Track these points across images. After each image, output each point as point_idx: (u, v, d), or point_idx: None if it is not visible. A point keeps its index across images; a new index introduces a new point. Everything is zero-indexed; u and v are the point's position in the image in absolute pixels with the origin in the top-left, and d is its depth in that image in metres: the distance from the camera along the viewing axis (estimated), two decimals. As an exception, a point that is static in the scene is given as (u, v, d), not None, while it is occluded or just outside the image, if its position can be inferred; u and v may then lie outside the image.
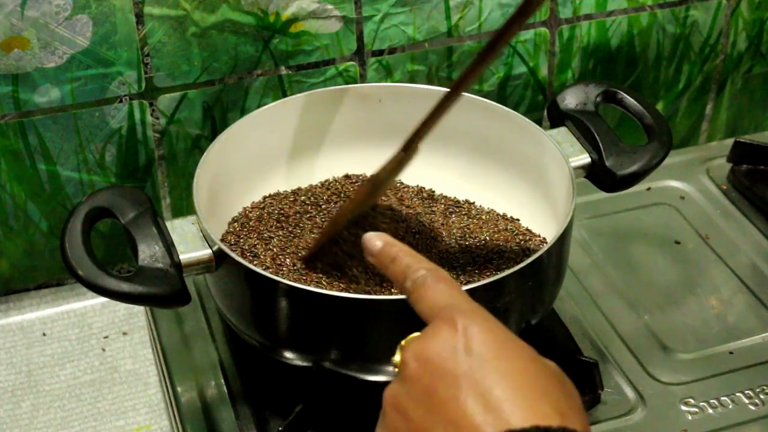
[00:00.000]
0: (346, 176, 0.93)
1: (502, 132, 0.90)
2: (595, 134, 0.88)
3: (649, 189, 1.04)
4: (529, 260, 0.75)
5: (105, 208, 0.78)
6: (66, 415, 0.92)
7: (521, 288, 0.76)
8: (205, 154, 0.84)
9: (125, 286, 0.74)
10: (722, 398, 0.84)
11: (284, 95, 0.99)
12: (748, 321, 0.91)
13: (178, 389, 0.85)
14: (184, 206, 1.01)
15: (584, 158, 0.88)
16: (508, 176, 0.91)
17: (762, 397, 0.84)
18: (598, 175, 0.88)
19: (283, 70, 0.98)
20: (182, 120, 0.97)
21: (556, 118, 0.92)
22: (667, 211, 1.03)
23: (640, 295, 0.93)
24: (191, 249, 0.77)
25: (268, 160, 0.91)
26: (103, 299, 0.99)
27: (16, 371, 0.95)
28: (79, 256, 0.75)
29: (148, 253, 0.76)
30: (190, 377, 0.86)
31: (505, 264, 0.83)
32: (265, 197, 0.91)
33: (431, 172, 0.93)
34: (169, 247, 0.77)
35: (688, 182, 1.05)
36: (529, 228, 0.88)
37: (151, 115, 0.96)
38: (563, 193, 0.83)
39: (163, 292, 0.75)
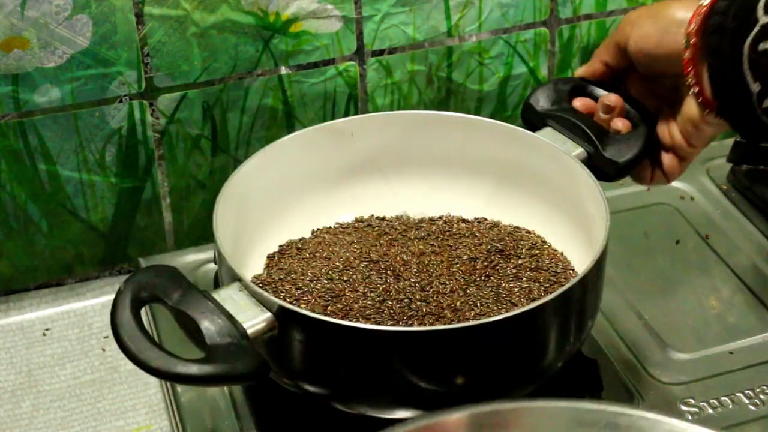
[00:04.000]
0: (360, 220, 0.93)
1: (525, 156, 0.90)
2: (584, 127, 0.87)
3: (649, 189, 1.04)
4: (561, 290, 0.73)
5: (149, 294, 0.72)
6: (66, 415, 0.92)
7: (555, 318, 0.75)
8: (213, 218, 0.80)
9: (209, 369, 0.69)
10: (722, 398, 0.84)
11: (284, 95, 0.99)
12: (748, 321, 0.91)
13: (178, 389, 0.85)
14: (184, 206, 1.01)
15: (580, 153, 0.87)
16: (535, 199, 0.91)
17: (762, 397, 0.84)
18: (598, 167, 0.87)
19: (283, 70, 0.98)
20: (182, 120, 0.97)
21: (535, 121, 0.91)
22: (667, 211, 1.03)
23: (640, 295, 0.93)
24: (251, 317, 0.72)
25: (275, 207, 0.90)
26: (103, 299, 0.99)
27: (16, 371, 0.95)
28: (146, 348, 0.69)
29: (214, 329, 0.70)
30: (190, 377, 0.86)
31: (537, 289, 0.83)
32: (281, 246, 0.89)
33: (457, 200, 0.93)
34: (232, 318, 0.71)
35: (688, 182, 1.05)
36: (561, 251, 0.88)
37: (151, 115, 0.96)
38: (594, 214, 0.82)
39: (246, 368, 0.70)
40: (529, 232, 0.90)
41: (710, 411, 0.83)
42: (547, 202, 0.90)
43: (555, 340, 0.75)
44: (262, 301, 0.73)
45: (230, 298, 0.73)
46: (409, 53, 1.01)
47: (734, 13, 0.77)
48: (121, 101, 0.94)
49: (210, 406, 0.84)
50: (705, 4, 0.79)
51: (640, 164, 0.87)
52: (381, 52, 1.00)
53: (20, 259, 0.99)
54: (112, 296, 1.02)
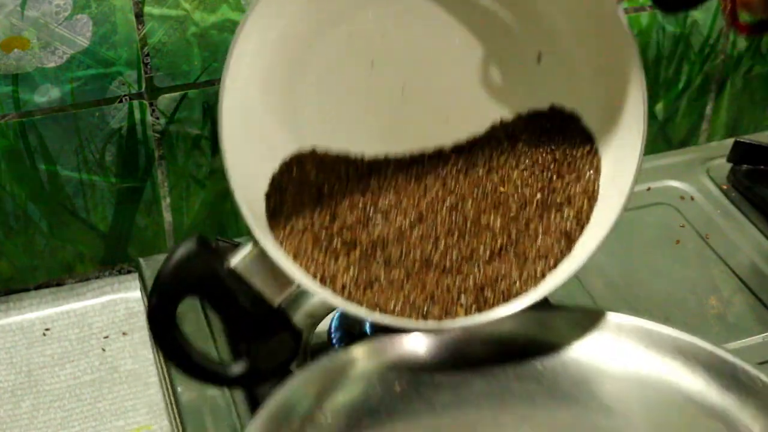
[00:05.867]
0: None
1: None
2: None
3: (649, 189, 1.04)
4: None
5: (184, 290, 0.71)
6: (66, 415, 0.92)
7: None
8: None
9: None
10: (722, 398, 0.84)
11: (284, 95, 0.99)
12: (748, 321, 0.91)
13: (178, 389, 0.85)
14: (184, 206, 1.01)
15: None
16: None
17: (762, 397, 0.84)
18: None
19: (283, 70, 0.98)
20: (182, 120, 0.97)
21: None
22: (667, 211, 1.03)
23: (640, 295, 0.93)
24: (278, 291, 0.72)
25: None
26: (103, 299, 0.99)
27: (16, 371, 0.95)
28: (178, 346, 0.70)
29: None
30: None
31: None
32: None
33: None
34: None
35: (688, 182, 1.05)
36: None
37: (151, 115, 0.96)
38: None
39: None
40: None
41: (710, 411, 0.83)
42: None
43: None
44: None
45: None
46: (409, 53, 1.01)
47: None
48: (121, 101, 0.94)
49: (210, 406, 0.84)
50: None
51: None
52: (381, 52, 1.00)
53: (20, 259, 0.99)
54: (112, 296, 1.02)
